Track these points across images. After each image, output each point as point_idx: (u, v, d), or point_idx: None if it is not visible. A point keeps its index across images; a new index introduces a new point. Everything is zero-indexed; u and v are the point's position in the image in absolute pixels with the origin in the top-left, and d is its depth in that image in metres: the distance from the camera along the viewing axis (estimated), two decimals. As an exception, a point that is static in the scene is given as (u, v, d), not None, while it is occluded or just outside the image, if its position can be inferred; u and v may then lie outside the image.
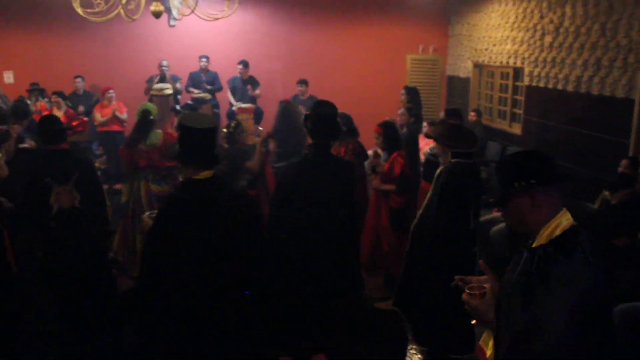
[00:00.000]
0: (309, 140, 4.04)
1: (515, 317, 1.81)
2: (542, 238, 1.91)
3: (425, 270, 4.21)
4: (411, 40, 11.21)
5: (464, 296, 2.09)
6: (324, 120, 3.87)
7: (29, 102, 8.48)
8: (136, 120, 5.81)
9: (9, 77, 10.20)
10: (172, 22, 10.23)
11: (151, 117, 5.64)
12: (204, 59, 9.77)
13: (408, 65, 11.30)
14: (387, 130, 5.50)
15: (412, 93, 7.88)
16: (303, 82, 9.38)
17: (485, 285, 2.10)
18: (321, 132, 3.89)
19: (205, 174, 2.90)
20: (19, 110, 5.62)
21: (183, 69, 9.90)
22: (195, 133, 2.88)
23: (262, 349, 3.09)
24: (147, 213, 4.83)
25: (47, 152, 4.51)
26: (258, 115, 9.16)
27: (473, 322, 2.11)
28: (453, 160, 4.16)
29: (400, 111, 7.47)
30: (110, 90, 8.96)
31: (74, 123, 6.81)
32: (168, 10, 9.53)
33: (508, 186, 2.00)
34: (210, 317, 2.86)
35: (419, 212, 4.39)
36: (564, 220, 1.92)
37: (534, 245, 1.92)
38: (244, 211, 3.02)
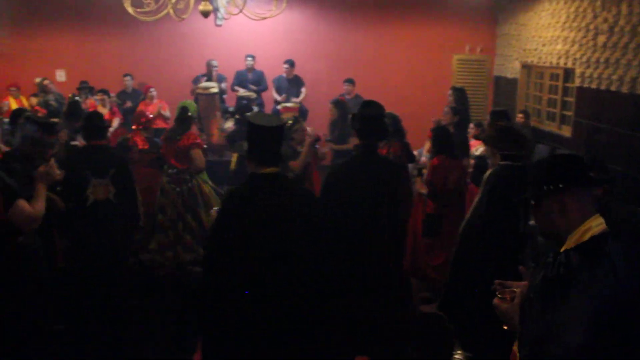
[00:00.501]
0: (356, 141, 4.02)
1: (534, 323, 1.80)
2: (570, 243, 1.87)
3: (471, 274, 4.12)
4: (458, 40, 11.03)
5: (495, 300, 2.09)
6: (371, 121, 3.84)
7: (79, 99, 8.68)
8: (175, 117, 6.05)
9: (61, 75, 10.49)
10: (219, 22, 10.27)
11: (189, 114, 5.82)
12: (249, 58, 9.82)
13: (454, 65, 11.14)
14: (437, 135, 5.43)
15: (460, 94, 7.76)
16: (350, 82, 9.32)
17: (515, 290, 2.09)
18: (368, 133, 3.86)
19: (269, 170, 2.96)
20: (72, 111, 5.75)
21: (229, 69, 9.98)
22: (262, 131, 2.95)
23: (319, 349, 3.09)
24: (215, 208, 4.94)
25: (88, 147, 4.76)
26: (302, 115, 9.15)
27: (505, 327, 2.07)
28: (502, 163, 4.07)
29: (445, 110, 7.37)
30: (152, 89, 9.12)
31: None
32: (215, 10, 9.62)
33: (537, 189, 1.98)
34: (271, 313, 2.88)
35: (467, 215, 4.31)
36: (595, 225, 1.86)
37: (561, 250, 1.87)
38: (308, 208, 3.03)
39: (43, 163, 3.64)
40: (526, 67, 9.80)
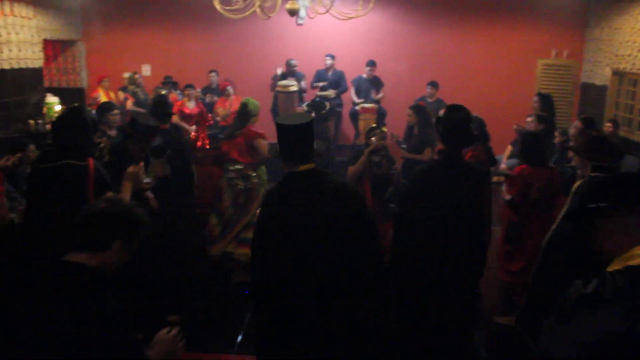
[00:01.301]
0: (440, 146, 3.93)
1: (555, 335, 1.76)
2: (616, 264, 1.78)
3: (555, 288, 3.94)
4: (544, 44, 10.65)
5: None
6: (457, 126, 3.73)
7: (163, 92, 8.95)
8: (237, 113, 6.11)
9: (146, 70, 10.85)
10: (300, 21, 10.36)
11: (248, 109, 5.85)
12: (329, 58, 9.82)
13: (539, 70, 10.77)
14: (526, 142, 5.25)
15: (546, 100, 7.48)
16: (433, 85, 9.15)
17: None
18: (453, 138, 3.76)
19: (305, 167, 2.99)
20: (160, 111, 5.86)
21: (308, 67, 10.03)
22: (290, 130, 2.99)
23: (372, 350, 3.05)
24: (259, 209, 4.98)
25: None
26: (381, 116, 9.09)
27: None
28: (592, 174, 3.88)
29: (529, 119, 7.12)
30: (228, 87, 9.26)
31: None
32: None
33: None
34: (318, 310, 2.88)
35: (553, 227, 4.13)
36: (638, 253, 1.74)
37: (607, 269, 1.78)
38: (347, 202, 2.99)
39: (134, 163, 3.77)
40: (618, 73, 9.35)
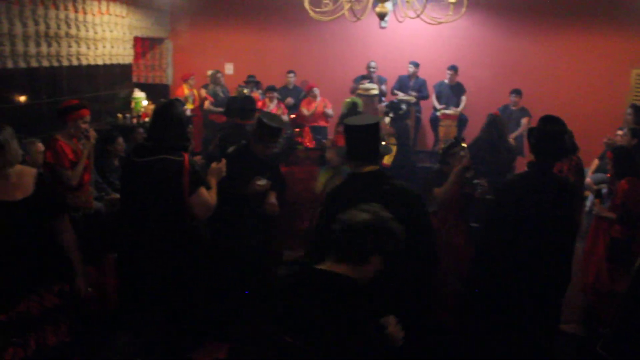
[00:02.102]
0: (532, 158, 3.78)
1: None
2: None
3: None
4: (639, 52, 10.10)
5: None
6: (551, 138, 3.58)
7: (246, 90, 9.10)
8: (343, 111, 6.34)
9: (229, 68, 11.08)
10: (383, 24, 10.27)
11: (358, 110, 6.07)
12: (412, 66, 9.69)
13: (632, 80, 10.21)
14: (618, 156, 5.01)
15: (641, 113, 7.10)
16: (517, 92, 8.87)
17: None
18: (546, 151, 3.61)
19: (369, 168, 3.06)
20: (246, 106, 5.98)
21: (389, 71, 9.97)
22: (357, 130, 3.08)
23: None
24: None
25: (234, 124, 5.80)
26: (462, 123, 8.90)
27: None
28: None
29: (622, 132, 6.78)
30: (315, 88, 9.29)
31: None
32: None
33: None
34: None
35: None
36: None
37: None
38: (406, 205, 2.99)
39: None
40: None
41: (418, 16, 4.46)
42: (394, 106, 8.23)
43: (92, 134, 4.80)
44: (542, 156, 3.63)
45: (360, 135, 3.07)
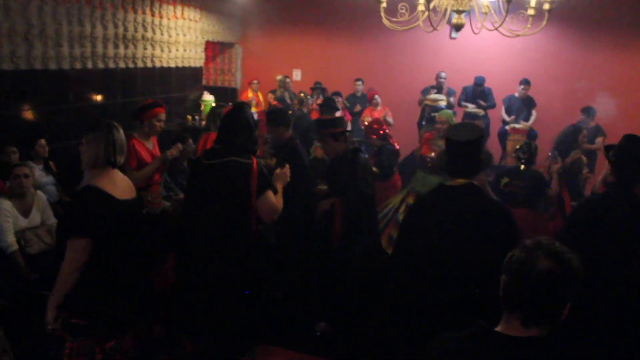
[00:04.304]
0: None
1: None
2: None
3: None
4: None
5: None
6: (635, 159, 3.43)
7: (310, 98, 9.14)
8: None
9: (297, 74, 11.18)
10: (454, 35, 10.17)
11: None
12: (479, 79, 9.51)
13: None
14: None
15: None
16: (588, 111, 8.43)
17: None
18: (627, 171, 3.46)
19: (460, 181, 2.99)
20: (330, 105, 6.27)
21: (458, 82, 9.81)
22: (457, 144, 2.98)
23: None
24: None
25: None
26: (531, 138, 8.64)
27: None
28: None
29: None
30: (376, 96, 9.24)
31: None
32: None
33: None
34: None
35: None
36: None
37: None
38: (495, 223, 2.91)
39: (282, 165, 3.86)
40: None
41: (496, 29, 4.36)
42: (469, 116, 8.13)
43: (172, 153, 4.84)
44: (622, 176, 3.48)
45: (460, 150, 2.99)
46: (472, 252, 2.86)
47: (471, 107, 9.12)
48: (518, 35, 4.59)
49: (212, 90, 10.20)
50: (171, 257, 4.68)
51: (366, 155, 4.74)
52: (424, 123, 8.63)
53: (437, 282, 2.92)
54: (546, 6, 4.35)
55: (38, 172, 5.25)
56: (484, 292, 2.80)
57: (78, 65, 6.70)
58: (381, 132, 6.15)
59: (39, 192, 4.76)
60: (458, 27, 4.48)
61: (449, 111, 6.70)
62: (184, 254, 3.77)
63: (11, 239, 4.23)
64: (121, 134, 3.03)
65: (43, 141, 5.59)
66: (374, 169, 5.68)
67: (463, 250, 2.86)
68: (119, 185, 2.99)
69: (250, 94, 10.20)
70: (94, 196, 2.86)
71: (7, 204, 4.35)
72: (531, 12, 4.38)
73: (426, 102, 8.58)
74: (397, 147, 6.20)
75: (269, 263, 4.01)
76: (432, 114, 8.16)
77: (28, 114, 6.15)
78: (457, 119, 9.15)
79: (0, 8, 5.54)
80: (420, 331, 2.90)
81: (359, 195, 4.35)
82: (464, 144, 2.96)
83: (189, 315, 3.77)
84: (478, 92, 9.38)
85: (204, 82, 10.48)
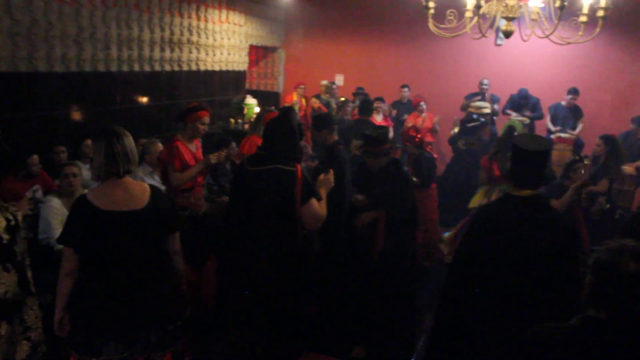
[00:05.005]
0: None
1: None
2: None
3: None
4: None
5: None
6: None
7: (352, 103, 9.10)
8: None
9: (339, 79, 11.16)
10: (499, 41, 10.03)
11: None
12: (522, 92, 9.32)
13: None
14: None
15: None
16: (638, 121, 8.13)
17: None
18: None
19: (526, 192, 2.98)
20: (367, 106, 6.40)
21: (503, 90, 9.64)
22: (525, 154, 2.97)
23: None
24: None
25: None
26: (578, 148, 8.45)
27: None
28: None
29: None
30: (422, 103, 9.13)
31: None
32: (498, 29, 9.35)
33: None
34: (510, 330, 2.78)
35: None
36: None
37: None
38: (560, 236, 2.90)
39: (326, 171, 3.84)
40: None
41: (547, 36, 4.26)
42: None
43: (214, 158, 4.87)
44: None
45: (528, 160, 2.98)
46: (535, 262, 2.86)
47: (515, 116, 8.94)
48: (569, 43, 4.48)
49: (254, 93, 10.26)
50: (213, 259, 4.71)
51: (406, 168, 4.60)
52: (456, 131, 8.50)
53: (501, 291, 2.93)
54: (600, 13, 4.22)
55: (85, 171, 5.35)
56: (546, 298, 2.83)
57: (125, 68, 6.83)
58: (417, 140, 6.07)
59: (86, 191, 4.85)
60: (507, 34, 4.40)
61: (511, 121, 6.80)
62: (227, 257, 3.78)
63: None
64: (124, 141, 2.91)
65: (89, 141, 5.70)
66: (414, 178, 5.59)
67: (527, 261, 2.87)
68: (119, 196, 2.89)
69: (295, 98, 10.23)
70: (79, 207, 2.86)
71: (57, 202, 4.45)
72: (583, 19, 4.26)
73: (470, 109, 8.45)
74: (435, 155, 6.12)
75: (313, 270, 3.97)
76: (469, 125, 8.07)
77: (76, 115, 6.29)
78: (499, 127, 9.03)
79: (54, 12, 5.69)
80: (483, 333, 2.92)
81: (403, 210, 4.29)
82: (533, 154, 2.94)
83: (232, 319, 3.79)
84: (524, 102, 9.19)
85: (247, 85, 10.56)
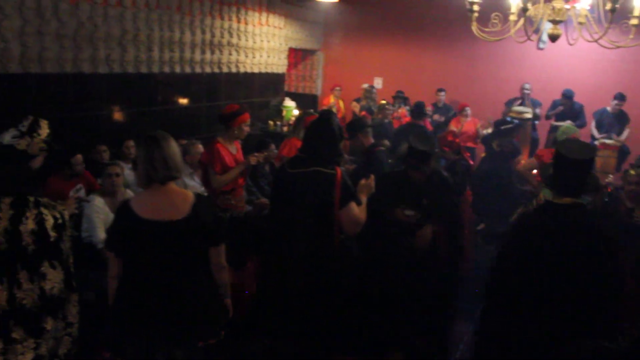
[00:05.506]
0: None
1: None
2: None
3: None
4: None
5: None
6: None
7: (392, 107, 9.03)
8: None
9: (378, 82, 11.12)
10: (541, 45, 9.84)
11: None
12: (567, 92, 9.11)
13: None
14: None
15: None
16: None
17: None
18: None
19: (566, 200, 2.92)
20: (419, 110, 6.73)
21: (543, 94, 9.47)
22: (568, 162, 2.91)
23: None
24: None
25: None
26: (623, 155, 8.22)
27: None
28: None
29: None
30: (467, 108, 9.01)
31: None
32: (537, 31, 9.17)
33: None
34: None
35: None
36: None
37: None
38: (599, 245, 2.85)
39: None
40: None
41: (596, 41, 4.16)
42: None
43: (254, 160, 4.88)
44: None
45: (570, 167, 2.92)
46: (574, 271, 2.82)
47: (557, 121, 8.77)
48: (619, 47, 4.36)
49: (293, 96, 10.30)
50: (254, 260, 4.72)
51: (445, 174, 4.46)
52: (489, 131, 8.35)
53: (541, 300, 2.90)
54: (651, 16, 4.10)
55: (127, 171, 5.43)
56: (585, 307, 2.79)
57: (166, 69, 6.92)
58: (455, 145, 5.96)
59: (129, 190, 4.91)
60: (554, 38, 4.30)
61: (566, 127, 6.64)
62: (268, 258, 3.79)
63: (102, 234, 4.37)
64: (163, 147, 2.85)
65: (131, 142, 5.78)
66: None
67: (566, 270, 2.83)
68: (160, 204, 2.85)
69: (332, 100, 10.24)
70: (121, 213, 2.89)
71: (100, 201, 4.52)
72: (634, 21, 4.14)
73: (510, 114, 8.31)
74: (471, 162, 6.00)
75: (352, 275, 3.92)
76: (503, 127, 7.90)
77: (118, 115, 6.39)
78: (542, 133, 8.86)
79: (99, 15, 5.80)
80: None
81: (459, 221, 4.21)
82: (576, 162, 2.88)
83: (267, 321, 3.79)
84: (568, 107, 8.98)
85: (285, 88, 10.60)
